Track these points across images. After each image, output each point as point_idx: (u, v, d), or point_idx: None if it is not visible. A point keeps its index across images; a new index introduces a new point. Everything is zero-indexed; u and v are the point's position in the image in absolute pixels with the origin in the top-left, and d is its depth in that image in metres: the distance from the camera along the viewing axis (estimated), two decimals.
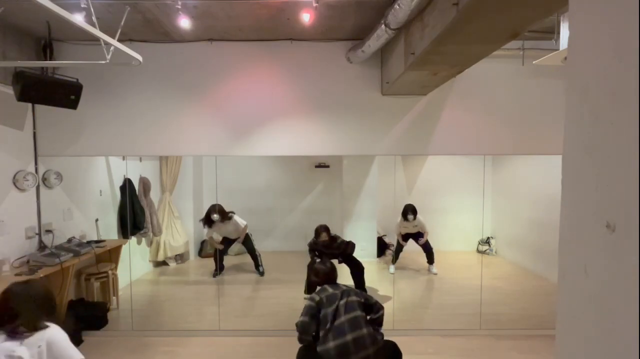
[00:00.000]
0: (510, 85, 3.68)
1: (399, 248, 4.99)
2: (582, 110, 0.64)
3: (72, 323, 3.50)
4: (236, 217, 5.01)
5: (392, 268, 5.00)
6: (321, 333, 2.38)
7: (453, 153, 3.75)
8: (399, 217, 4.86)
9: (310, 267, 4.37)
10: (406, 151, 3.74)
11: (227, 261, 5.37)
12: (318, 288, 2.60)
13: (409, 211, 4.76)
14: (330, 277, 2.65)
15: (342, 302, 2.42)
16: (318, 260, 4.31)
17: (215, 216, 4.84)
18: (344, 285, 2.60)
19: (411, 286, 4.89)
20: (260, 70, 3.67)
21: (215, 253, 5.15)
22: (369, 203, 5.44)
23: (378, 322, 2.50)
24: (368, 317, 2.48)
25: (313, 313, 2.42)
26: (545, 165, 4.48)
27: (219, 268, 5.10)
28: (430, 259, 5.01)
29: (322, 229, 4.24)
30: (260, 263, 5.12)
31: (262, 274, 5.11)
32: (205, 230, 5.04)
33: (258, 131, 3.68)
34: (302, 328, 2.42)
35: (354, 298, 2.45)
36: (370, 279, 4.42)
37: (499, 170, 5.64)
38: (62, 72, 3.39)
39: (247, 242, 5.12)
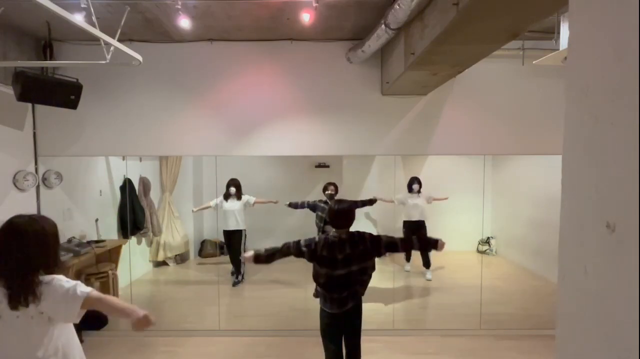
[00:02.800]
0: (510, 85, 3.68)
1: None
2: (582, 110, 0.64)
3: None
4: (247, 196, 4.95)
5: (407, 266, 5.07)
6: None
7: (453, 153, 3.75)
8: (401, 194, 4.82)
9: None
10: (406, 151, 3.74)
11: (227, 260, 5.30)
12: (329, 232, 2.41)
13: (415, 181, 4.77)
14: (340, 218, 2.35)
15: (340, 270, 2.36)
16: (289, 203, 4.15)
17: (233, 190, 4.82)
18: (356, 234, 2.36)
19: (411, 286, 4.89)
20: (260, 71, 3.67)
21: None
22: None
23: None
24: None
25: (301, 252, 2.46)
26: (545, 165, 4.47)
27: (239, 273, 4.85)
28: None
29: (331, 183, 4.27)
30: (240, 271, 4.89)
31: (238, 282, 4.87)
32: (214, 202, 4.85)
33: (258, 131, 3.68)
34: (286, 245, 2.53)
35: (357, 250, 2.35)
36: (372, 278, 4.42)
37: (499, 170, 5.64)
38: (62, 72, 3.38)
39: (238, 239, 4.90)
